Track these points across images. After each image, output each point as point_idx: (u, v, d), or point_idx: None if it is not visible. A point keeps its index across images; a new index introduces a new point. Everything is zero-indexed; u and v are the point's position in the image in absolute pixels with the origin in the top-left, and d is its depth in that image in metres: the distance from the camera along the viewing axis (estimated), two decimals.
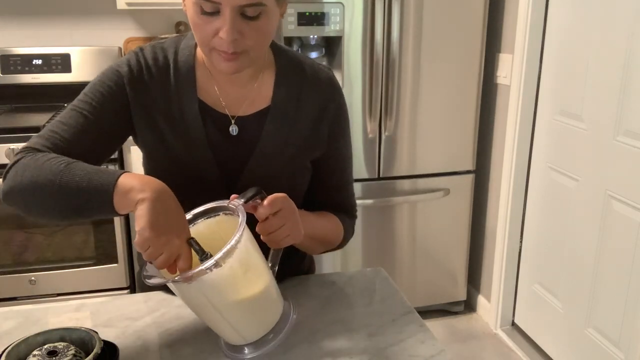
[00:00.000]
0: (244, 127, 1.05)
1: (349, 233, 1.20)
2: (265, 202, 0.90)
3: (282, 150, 1.06)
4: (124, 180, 0.84)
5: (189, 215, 0.90)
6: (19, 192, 0.90)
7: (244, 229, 0.81)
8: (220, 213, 0.91)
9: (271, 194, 0.93)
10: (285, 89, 1.07)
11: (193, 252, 0.85)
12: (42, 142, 0.95)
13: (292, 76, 1.08)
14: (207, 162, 1.03)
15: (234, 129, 1.05)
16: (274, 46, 1.10)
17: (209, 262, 0.78)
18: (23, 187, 0.89)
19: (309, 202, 1.14)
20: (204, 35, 0.92)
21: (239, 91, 1.06)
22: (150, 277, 0.82)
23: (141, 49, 1.05)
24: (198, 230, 0.90)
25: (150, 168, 1.09)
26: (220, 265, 0.79)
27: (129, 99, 1.02)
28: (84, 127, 0.98)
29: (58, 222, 0.93)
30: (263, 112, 1.06)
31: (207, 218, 0.91)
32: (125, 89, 1.02)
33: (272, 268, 0.93)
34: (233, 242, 0.79)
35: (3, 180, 0.91)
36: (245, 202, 0.87)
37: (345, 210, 1.20)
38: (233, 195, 0.89)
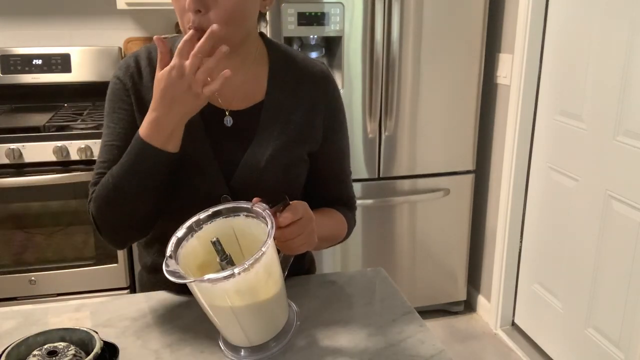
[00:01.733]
0: (240, 121, 1.06)
1: (351, 226, 1.21)
2: (290, 210, 0.90)
3: (278, 143, 1.06)
4: (141, 130, 0.94)
5: (208, 212, 0.90)
6: (107, 208, 0.99)
7: (272, 236, 0.82)
8: (241, 214, 0.90)
9: (268, 187, 0.92)
10: (279, 82, 1.08)
11: (214, 251, 0.85)
12: (92, 190, 1.03)
13: (286, 70, 1.10)
14: (205, 154, 1.03)
15: (228, 120, 1.05)
16: (266, 41, 1.11)
17: (240, 267, 0.78)
18: (109, 203, 0.98)
19: (308, 195, 1.14)
20: (179, 11, 0.96)
21: (231, 83, 1.06)
22: (172, 273, 0.81)
23: (136, 52, 1.08)
24: (214, 227, 0.89)
25: None
26: (248, 270, 0.78)
27: (133, 103, 1.04)
28: (120, 155, 1.00)
29: (148, 209, 1.01)
30: (258, 106, 1.07)
31: (225, 217, 0.90)
32: (130, 95, 1.04)
33: (282, 272, 0.93)
34: (264, 248, 0.79)
35: (96, 224, 1.02)
36: (270, 207, 0.87)
37: (345, 203, 1.21)
38: (256, 199, 0.89)
